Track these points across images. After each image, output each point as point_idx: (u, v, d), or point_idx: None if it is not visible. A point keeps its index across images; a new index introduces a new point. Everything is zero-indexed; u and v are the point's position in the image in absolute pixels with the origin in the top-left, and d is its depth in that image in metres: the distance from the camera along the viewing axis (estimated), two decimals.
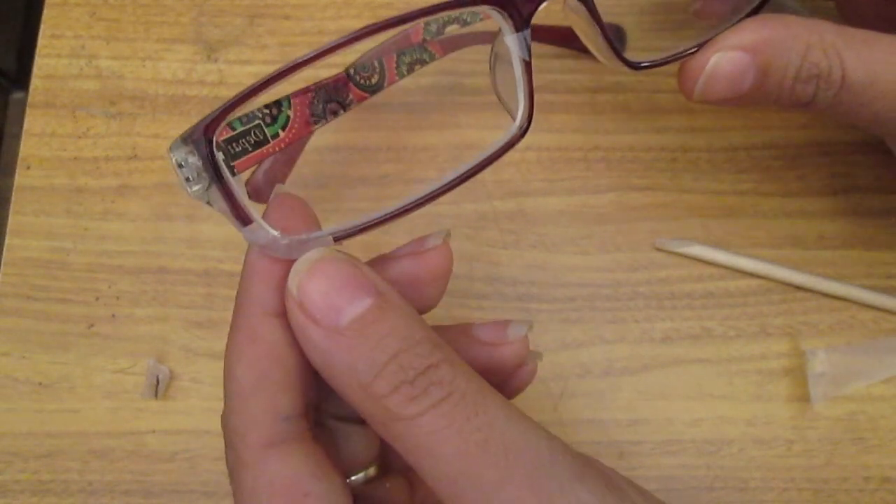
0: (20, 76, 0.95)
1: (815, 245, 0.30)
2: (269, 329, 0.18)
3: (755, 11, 0.25)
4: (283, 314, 0.18)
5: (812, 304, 0.29)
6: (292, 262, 0.18)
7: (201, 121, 0.17)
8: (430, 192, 0.19)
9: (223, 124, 0.17)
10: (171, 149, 0.17)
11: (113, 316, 0.29)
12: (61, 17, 0.33)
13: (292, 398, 0.18)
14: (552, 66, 0.31)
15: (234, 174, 0.18)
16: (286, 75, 0.17)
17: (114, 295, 0.30)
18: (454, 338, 0.21)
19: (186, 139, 0.17)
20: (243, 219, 0.17)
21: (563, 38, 0.31)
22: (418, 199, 0.19)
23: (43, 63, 0.32)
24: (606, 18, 0.22)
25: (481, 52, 0.30)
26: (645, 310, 0.29)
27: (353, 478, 0.21)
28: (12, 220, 0.30)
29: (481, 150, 0.31)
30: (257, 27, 0.33)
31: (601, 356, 0.29)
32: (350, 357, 0.17)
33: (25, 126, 0.32)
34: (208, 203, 0.17)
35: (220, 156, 0.17)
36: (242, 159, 0.19)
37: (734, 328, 0.29)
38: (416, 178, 0.31)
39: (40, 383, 0.29)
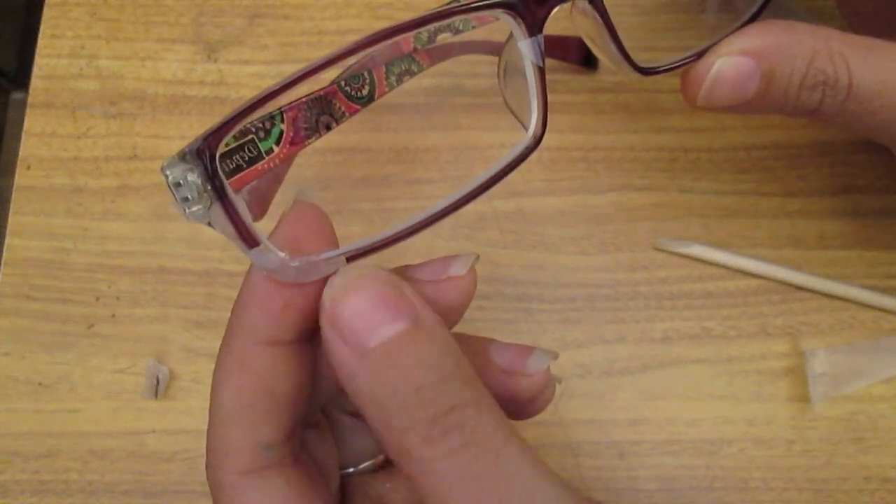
0: (20, 76, 0.95)
1: (815, 245, 0.30)
2: (259, 359, 0.17)
3: (757, 14, 0.24)
4: (276, 343, 0.18)
5: (812, 304, 0.29)
6: (296, 287, 0.17)
7: (201, 136, 0.16)
8: (446, 207, 0.19)
9: (224, 139, 0.16)
10: (165, 167, 0.16)
11: (113, 316, 0.29)
12: (61, 17, 0.33)
13: (276, 427, 0.18)
14: (552, 65, 0.31)
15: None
16: (308, 77, 0.16)
17: (114, 295, 0.30)
18: (470, 353, 0.19)
19: (185, 155, 0.16)
20: (249, 241, 0.16)
21: (559, 49, 0.31)
22: (434, 214, 0.19)
23: (43, 63, 0.32)
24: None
25: (475, 57, 0.30)
26: (645, 310, 0.29)
27: (361, 466, 0.21)
28: (12, 220, 0.30)
29: (479, 149, 0.31)
30: (257, 27, 0.33)
31: (601, 356, 0.29)
32: (373, 382, 0.16)
33: (25, 126, 0.32)
34: (209, 224, 0.16)
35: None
36: (237, 177, 0.18)
37: (734, 328, 0.29)
38: (418, 179, 0.31)
39: (40, 383, 0.29)
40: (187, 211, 0.16)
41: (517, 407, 0.20)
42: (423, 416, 0.15)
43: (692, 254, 0.29)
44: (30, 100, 0.32)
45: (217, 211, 0.16)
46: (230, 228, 0.16)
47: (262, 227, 0.17)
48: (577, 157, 0.31)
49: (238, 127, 0.16)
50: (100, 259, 0.30)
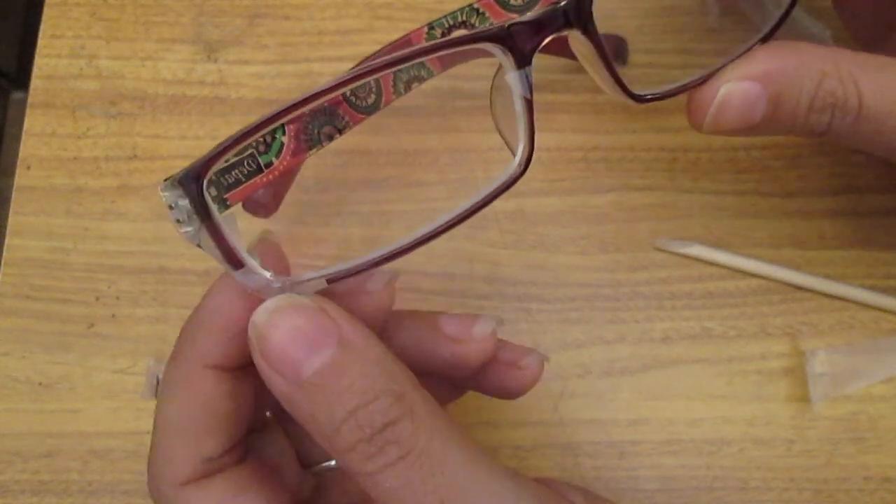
0: (20, 76, 0.95)
1: (815, 245, 0.30)
2: (203, 380, 0.18)
3: (771, 33, 0.23)
4: (221, 367, 0.18)
5: (812, 304, 0.29)
6: (246, 312, 0.18)
7: (192, 165, 0.16)
8: (428, 233, 0.19)
9: (215, 166, 0.16)
10: (162, 189, 0.17)
11: (113, 316, 0.29)
12: (61, 17, 0.33)
13: (219, 442, 0.19)
14: (553, 65, 0.31)
15: (227, 206, 0.18)
16: (289, 113, 0.17)
17: (114, 295, 0.30)
18: (422, 327, 0.21)
19: (176, 182, 0.16)
20: (235, 262, 0.17)
21: (560, 47, 0.31)
22: (415, 240, 0.19)
23: (43, 63, 0.32)
24: (607, 24, 0.22)
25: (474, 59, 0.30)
26: (645, 310, 0.29)
27: (323, 465, 0.22)
28: (12, 220, 0.30)
29: (478, 152, 0.31)
30: (257, 27, 0.33)
31: (601, 356, 0.29)
32: (312, 409, 0.17)
33: (25, 126, 0.32)
34: (199, 245, 0.17)
35: (211, 192, 0.17)
36: (236, 191, 0.18)
37: (734, 328, 0.29)
38: (417, 182, 0.31)
39: (40, 383, 0.29)
40: (180, 231, 0.17)
41: (471, 374, 0.21)
42: (360, 436, 0.16)
43: (692, 254, 0.29)
44: (30, 100, 0.32)
45: (204, 234, 0.17)
46: (216, 252, 0.17)
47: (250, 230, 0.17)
48: (576, 157, 0.31)
49: (229, 154, 0.17)
50: (100, 259, 0.30)
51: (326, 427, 0.17)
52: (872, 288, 0.29)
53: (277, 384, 0.17)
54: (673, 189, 0.31)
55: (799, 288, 0.29)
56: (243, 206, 0.24)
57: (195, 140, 0.31)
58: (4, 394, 0.29)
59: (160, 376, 0.28)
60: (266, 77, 0.32)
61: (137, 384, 0.29)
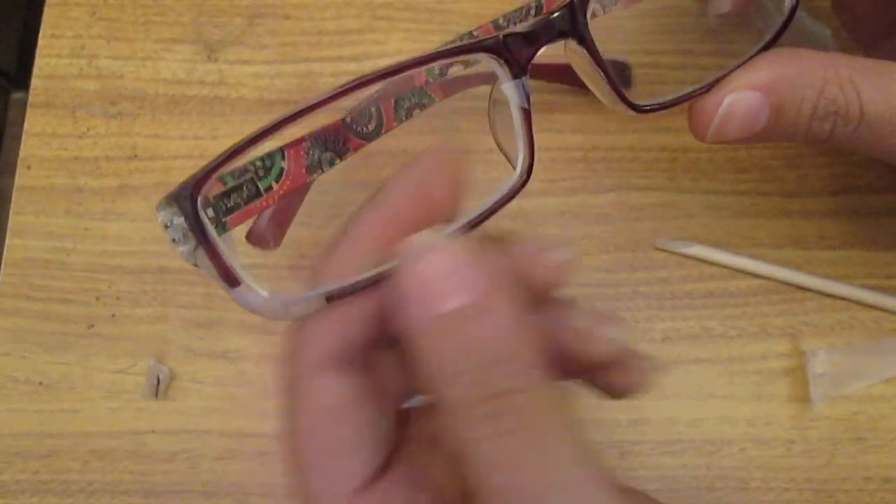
0: (20, 76, 0.95)
1: (815, 245, 0.30)
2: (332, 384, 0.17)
3: (774, 40, 0.23)
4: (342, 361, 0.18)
5: (812, 304, 0.29)
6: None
7: (186, 181, 0.16)
8: None
9: (211, 181, 0.16)
10: (157, 208, 0.16)
11: (113, 316, 0.29)
12: (61, 17, 0.33)
13: (361, 329, 0.18)
14: None
15: (225, 230, 0.17)
16: (280, 128, 0.17)
17: (114, 295, 0.30)
18: (552, 310, 0.19)
19: (171, 200, 0.16)
20: (231, 280, 0.17)
21: (560, 75, 0.30)
22: None
23: (43, 63, 0.32)
24: (607, 24, 0.22)
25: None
26: (645, 310, 0.29)
27: (418, 399, 0.21)
28: (12, 220, 0.30)
29: (478, 153, 0.31)
30: (257, 27, 0.33)
31: None
32: (438, 346, 0.16)
33: (25, 126, 0.32)
34: (195, 265, 0.17)
35: (209, 213, 0.16)
36: (235, 214, 0.18)
37: (734, 328, 0.29)
38: None
39: (40, 383, 0.29)
40: (177, 251, 0.16)
41: (582, 370, 0.20)
42: (480, 392, 0.15)
43: (692, 254, 0.29)
44: (30, 100, 0.32)
45: (200, 253, 0.16)
46: (213, 270, 0.17)
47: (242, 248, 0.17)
48: (577, 157, 0.31)
49: (227, 169, 0.17)
50: (100, 259, 0.30)
51: (448, 371, 0.15)
52: (873, 288, 0.29)
53: (409, 311, 0.16)
54: (673, 189, 0.31)
55: (799, 288, 0.29)
56: (247, 238, 0.25)
57: (195, 140, 0.31)
58: (4, 394, 0.29)
59: (161, 376, 0.28)
60: (266, 77, 0.32)
61: (137, 384, 0.29)
